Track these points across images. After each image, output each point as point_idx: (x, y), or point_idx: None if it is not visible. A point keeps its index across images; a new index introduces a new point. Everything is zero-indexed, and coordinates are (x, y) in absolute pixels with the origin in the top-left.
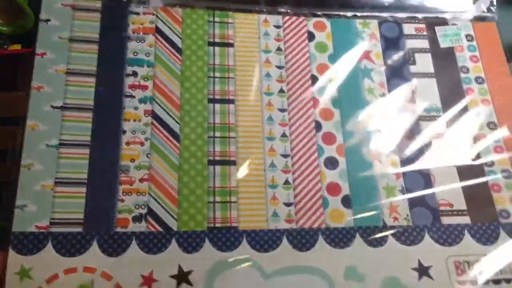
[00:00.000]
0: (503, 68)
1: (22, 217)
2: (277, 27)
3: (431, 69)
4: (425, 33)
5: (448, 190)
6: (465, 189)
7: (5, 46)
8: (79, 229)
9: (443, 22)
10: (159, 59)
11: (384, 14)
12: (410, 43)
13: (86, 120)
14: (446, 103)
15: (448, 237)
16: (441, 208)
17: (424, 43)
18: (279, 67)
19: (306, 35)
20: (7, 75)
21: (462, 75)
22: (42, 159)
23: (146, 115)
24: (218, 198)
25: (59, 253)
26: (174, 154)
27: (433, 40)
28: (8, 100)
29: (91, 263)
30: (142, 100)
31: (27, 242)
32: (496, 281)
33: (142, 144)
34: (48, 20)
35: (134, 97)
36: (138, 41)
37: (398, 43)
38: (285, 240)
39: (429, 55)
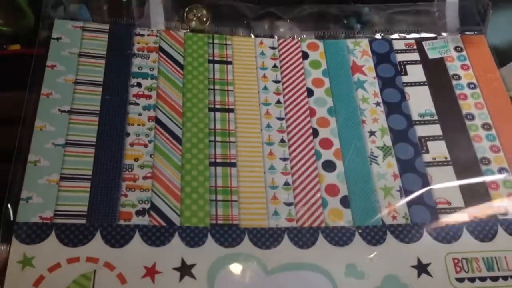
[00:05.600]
0: (494, 75)
1: (26, 208)
2: (272, 48)
3: (423, 78)
4: (414, 47)
5: (445, 189)
6: (463, 188)
7: (4, 46)
8: (82, 221)
9: (432, 38)
10: (162, 73)
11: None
12: (400, 57)
13: (92, 123)
14: (440, 108)
15: (447, 234)
16: (439, 206)
17: (414, 56)
18: (276, 82)
19: (300, 54)
20: (5, 75)
21: (454, 82)
22: (48, 156)
23: (150, 120)
24: (220, 197)
25: (62, 243)
26: (176, 155)
27: (423, 52)
28: (7, 100)
29: (94, 254)
30: (146, 108)
31: (31, 232)
32: (494, 278)
33: (145, 145)
34: (59, 38)
35: (138, 104)
36: (142, 57)
37: (389, 57)
38: (286, 238)
39: (420, 66)
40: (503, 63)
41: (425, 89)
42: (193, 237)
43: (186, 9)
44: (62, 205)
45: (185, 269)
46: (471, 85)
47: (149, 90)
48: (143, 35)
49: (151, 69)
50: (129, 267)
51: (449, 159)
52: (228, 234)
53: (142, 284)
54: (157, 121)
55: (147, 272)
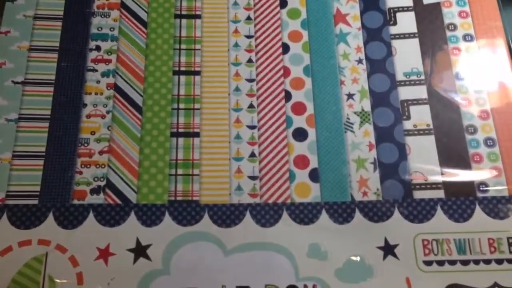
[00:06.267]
0: (495, 23)
1: None
2: None
3: (413, 28)
4: None
5: (423, 161)
6: (443, 161)
7: None
8: (35, 201)
9: None
10: (124, 33)
11: None
12: (391, 2)
13: (47, 94)
14: (428, 65)
15: (419, 213)
16: (414, 181)
17: (407, 1)
18: (248, 37)
19: (278, 2)
20: None
21: (449, 33)
22: (0, 134)
23: (108, 88)
24: (180, 171)
25: (14, 226)
26: (136, 126)
27: None
28: None
29: (46, 236)
30: (105, 74)
31: None
32: (464, 262)
33: (103, 117)
34: (14, 0)
35: (96, 71)
36: (102, 16)
37: (377, 3)
38: (248, 215)
39: (412, 14)
40: None
41: (415, 42)
42: (150, 216)
43: None
44: (14, 185)
45: (139, 250)
46: (467, 37)
47: (109, 53)
48: None
49: (112, 29)
50: (82, 249)
51: (431, 127)
52: (187, 212)
53: (95, 266)
54: (116, 88)
55: (100, 254)
